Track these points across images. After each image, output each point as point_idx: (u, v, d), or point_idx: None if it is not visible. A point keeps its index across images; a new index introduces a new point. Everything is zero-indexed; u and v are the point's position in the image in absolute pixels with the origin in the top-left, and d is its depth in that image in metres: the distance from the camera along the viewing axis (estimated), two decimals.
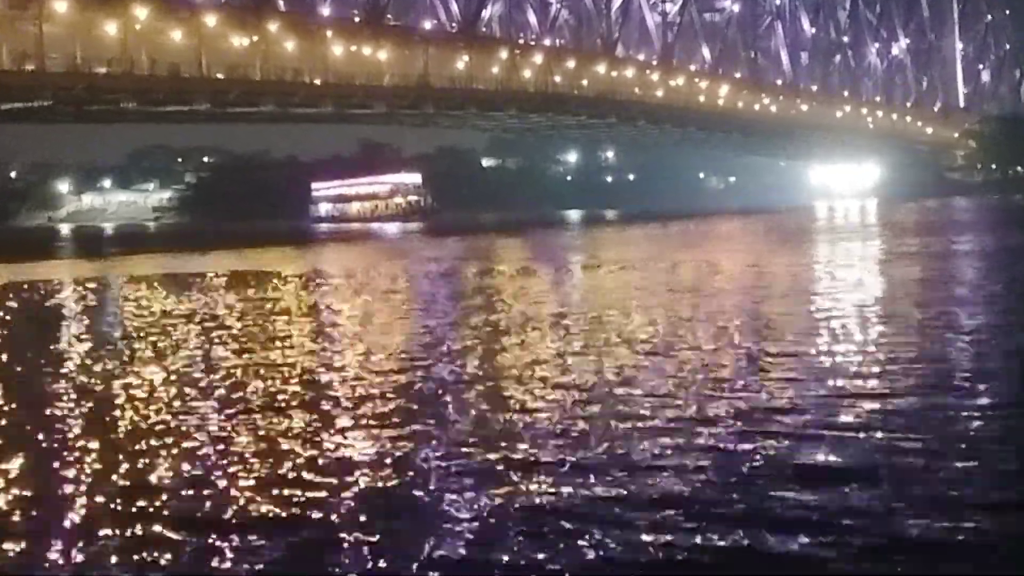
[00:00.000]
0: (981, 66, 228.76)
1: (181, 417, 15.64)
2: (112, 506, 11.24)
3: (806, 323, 24.44)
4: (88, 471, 12.73)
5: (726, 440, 13.08)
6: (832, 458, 12.28)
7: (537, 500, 10.93)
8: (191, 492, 11.68)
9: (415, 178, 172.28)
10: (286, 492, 11.45)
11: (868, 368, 18.01)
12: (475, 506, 10.73)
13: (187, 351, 22.94)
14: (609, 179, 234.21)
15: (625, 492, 11.04)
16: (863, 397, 15.61)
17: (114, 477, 12.40)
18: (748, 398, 15.64)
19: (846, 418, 14.24)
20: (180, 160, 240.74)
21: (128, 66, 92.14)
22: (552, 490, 11.20)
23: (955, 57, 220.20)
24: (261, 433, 14.44)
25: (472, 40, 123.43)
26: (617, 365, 19.01)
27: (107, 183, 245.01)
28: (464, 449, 12.99)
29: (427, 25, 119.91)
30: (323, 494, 11.30)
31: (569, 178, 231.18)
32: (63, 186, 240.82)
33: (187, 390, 17.90)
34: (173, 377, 19.40)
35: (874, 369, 17.87)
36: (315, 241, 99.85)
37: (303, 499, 11.18)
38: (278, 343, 23.84)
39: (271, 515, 10.73)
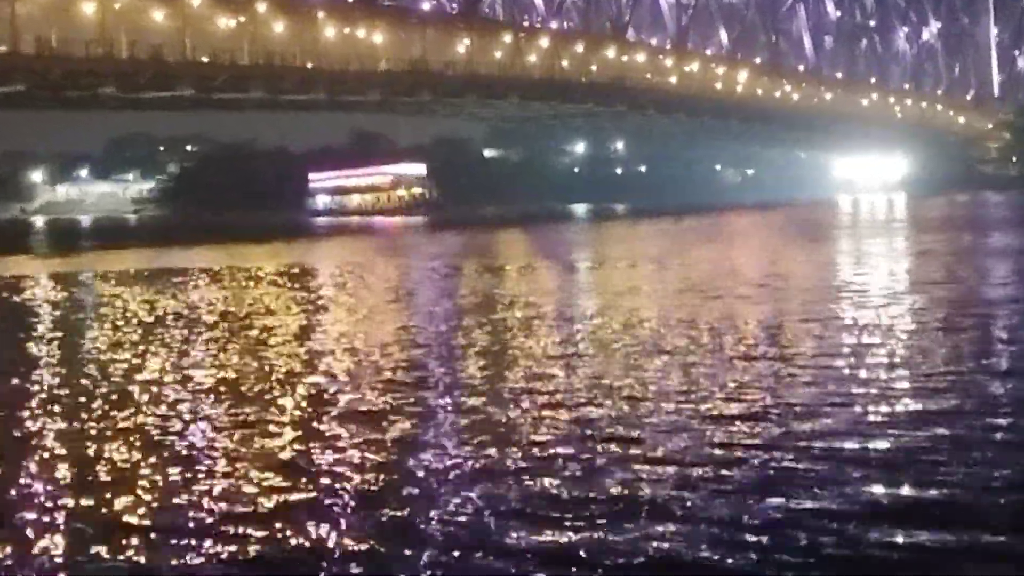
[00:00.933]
0: (1017, 52, 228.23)
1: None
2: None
3: (827, 336, 24.40)
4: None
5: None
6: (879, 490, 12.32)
7: None
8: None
9: (419, 169, 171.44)
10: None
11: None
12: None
13: (156, 359, 22.93)
14: (618, 171, 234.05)
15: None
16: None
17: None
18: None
19: (880, 444, 14.16)
20: (162, 149, 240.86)
21: (107, 49, 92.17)
22: None
23: (989, 42, 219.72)
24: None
25: (473, 23, 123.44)
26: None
27: (84, 173, 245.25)
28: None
29: (425, 6, 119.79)
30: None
31: (576, 170, 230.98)
32: (37, 176, 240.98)
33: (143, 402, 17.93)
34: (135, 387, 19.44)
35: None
36: (311, 236, 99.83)
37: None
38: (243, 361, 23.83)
39: None
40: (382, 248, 74.45)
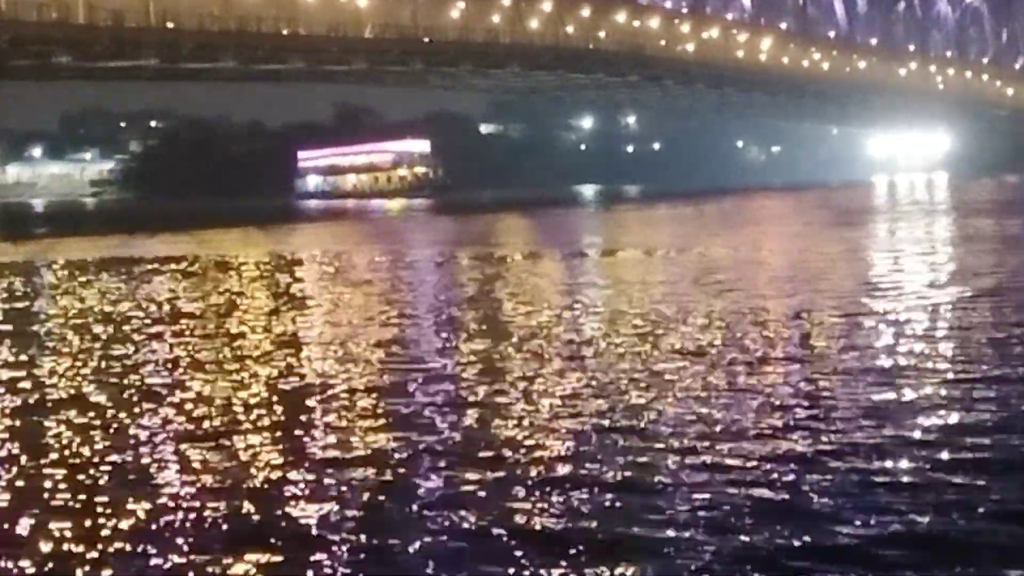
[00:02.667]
0: None
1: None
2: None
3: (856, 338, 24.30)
4: None
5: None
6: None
7: None
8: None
9: (423, 146, 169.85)
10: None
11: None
12: None
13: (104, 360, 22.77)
14: (630, 149, 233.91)
15: None
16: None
17: None
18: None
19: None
20: (123, 125, 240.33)
21: (62, 14, 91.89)
22: None
23: None
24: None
25: None
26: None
27: (37, 152, 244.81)
28: None
29: None
30: None
31: (583, 147, 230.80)
32: None
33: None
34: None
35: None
36: (295, 220, 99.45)
37: None
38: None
39: None
40: (370, 237, 74.31)
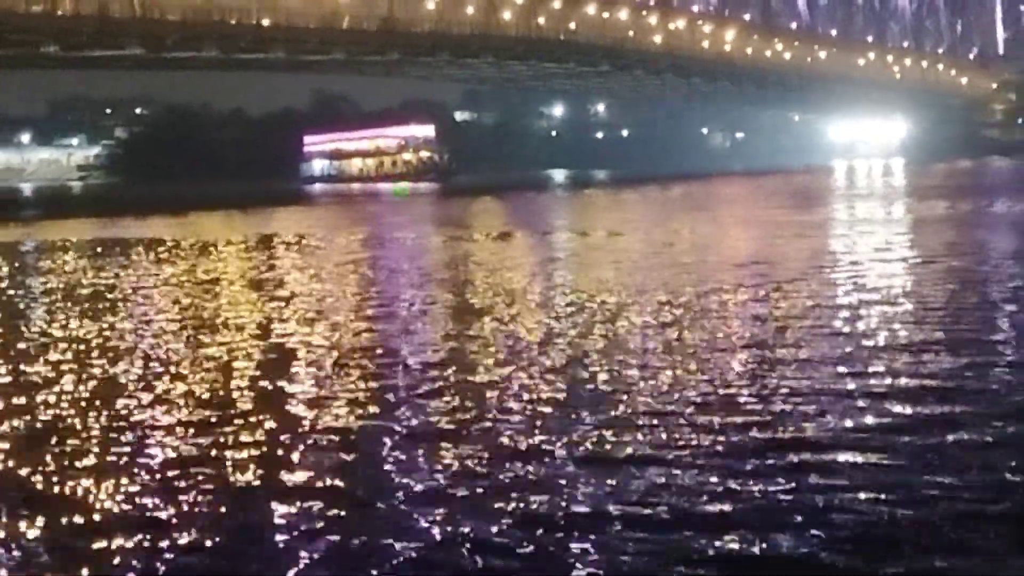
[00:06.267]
0: (1023, 7, 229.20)
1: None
2: None
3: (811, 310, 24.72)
4: None
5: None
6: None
7: None
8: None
9: (428, 131, 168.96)
10: None
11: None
12: None
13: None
14: (600, 136, 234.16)
15: None
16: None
17: None
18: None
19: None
20: (108, 112, 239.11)
21: (49, 4, 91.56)
22: None
23: None
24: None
25: None
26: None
27: (25, 138, 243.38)
28: None
29: None
30: None
31: (554, 134, 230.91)
32: None
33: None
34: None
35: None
36: (294, 202, 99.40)
37: None
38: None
39: None
40: (351, 215, 74.52)
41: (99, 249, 46.61)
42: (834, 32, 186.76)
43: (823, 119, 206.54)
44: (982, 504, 10.50)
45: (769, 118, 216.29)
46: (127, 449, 13.08)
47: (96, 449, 13.09)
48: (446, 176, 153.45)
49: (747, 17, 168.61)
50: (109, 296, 28.96)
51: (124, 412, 14.89)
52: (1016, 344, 18.33)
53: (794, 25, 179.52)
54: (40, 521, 10.68)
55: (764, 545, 9.68)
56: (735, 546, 9.69)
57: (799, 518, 10.25)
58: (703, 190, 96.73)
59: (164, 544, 10.03)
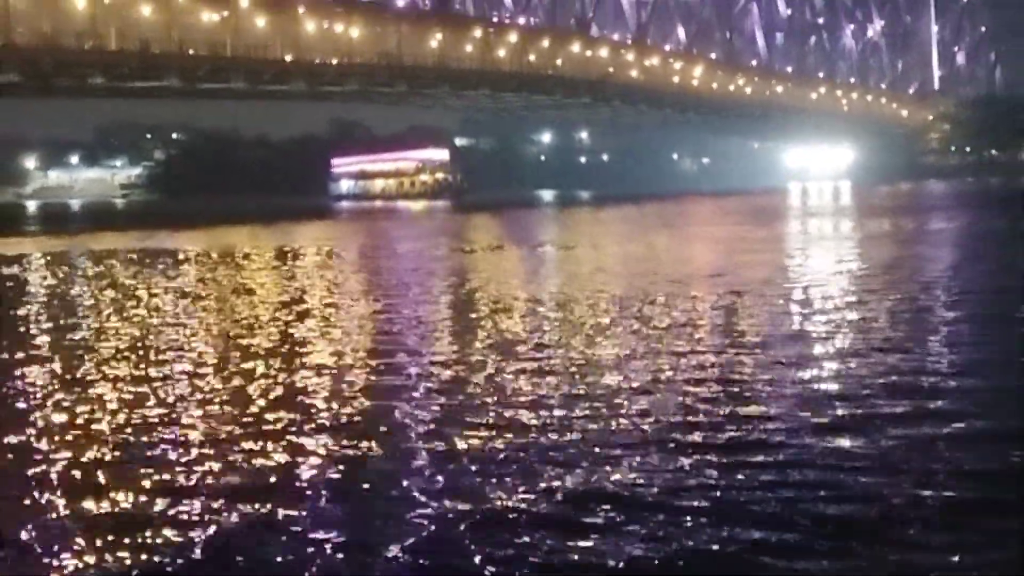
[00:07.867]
0: (956, 48, 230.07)
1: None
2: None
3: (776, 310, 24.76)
4: None
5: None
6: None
7: None
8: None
9: (443, 154, 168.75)
10: None
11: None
12: None
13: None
14: (583, 159, 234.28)
15: None
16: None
17: None
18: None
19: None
20: (149, 136, 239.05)
21: (97, 41, 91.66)
22: None
23: (931, 39, 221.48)
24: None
25: (446, 18, 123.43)
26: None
27: (74, 159, 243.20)
28: None
29: (400, 3, 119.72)
30: None
31: (543, 158, 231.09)
32: (30, 162, 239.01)
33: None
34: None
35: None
36: (329, 218, 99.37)
37: None
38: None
39: None
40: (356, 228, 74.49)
41: (139, 257, 46.62)
42: (790, 69, 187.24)
43: (780, 146, 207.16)
44: (938, 495, 10.25)
45: (733, 145, 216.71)
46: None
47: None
48: (459, 195, 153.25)
49: (712, 55, 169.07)
50: (150, 298, 29.01)
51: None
52: (950, 345, 18.41)
53: (754, 62, 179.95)
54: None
55: (706, 538, 9.24)
56: (688, 541, 9.19)
57: (748, 510, 9.91)
58: (674, 208, 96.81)
59: (170, 540, 9.59)
